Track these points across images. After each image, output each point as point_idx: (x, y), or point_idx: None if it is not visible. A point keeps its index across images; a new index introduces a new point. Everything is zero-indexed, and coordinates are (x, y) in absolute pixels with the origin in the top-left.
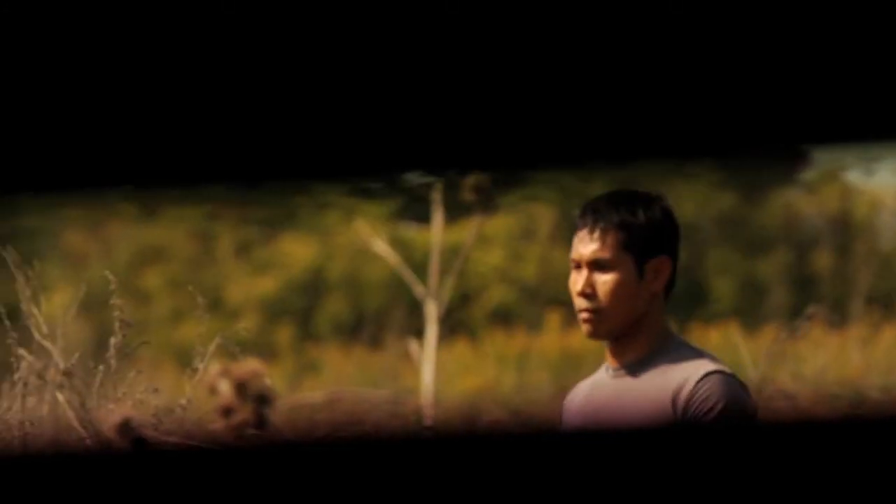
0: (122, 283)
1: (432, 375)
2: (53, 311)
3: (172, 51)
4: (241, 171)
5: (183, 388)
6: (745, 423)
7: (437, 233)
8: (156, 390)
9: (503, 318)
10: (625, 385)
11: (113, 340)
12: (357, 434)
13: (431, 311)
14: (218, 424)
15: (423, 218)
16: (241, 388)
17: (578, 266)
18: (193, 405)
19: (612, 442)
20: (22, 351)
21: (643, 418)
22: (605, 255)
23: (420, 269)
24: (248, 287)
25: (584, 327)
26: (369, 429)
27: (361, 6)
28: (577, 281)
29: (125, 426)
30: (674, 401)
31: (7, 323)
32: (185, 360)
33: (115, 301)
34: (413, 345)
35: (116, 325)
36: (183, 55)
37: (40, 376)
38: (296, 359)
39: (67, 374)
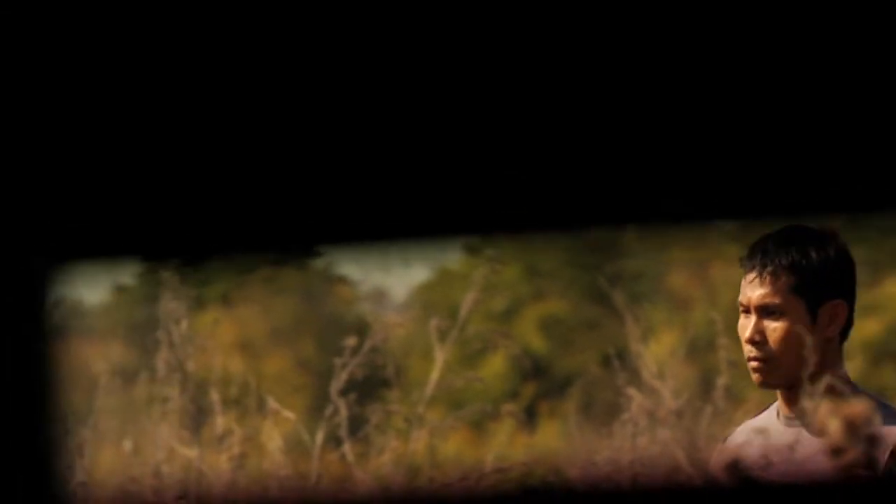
0: (727, 324)
1: None
2: (661, 351)
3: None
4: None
5: None
6: None
7: None
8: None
9: None
10: (802, 436)
11: (720, 381)
12: None
13: None
14: (827, 464)
15: None
16: (851, 427)
17: (747, 311)
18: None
19: None
20: (631, 390)
21: (825, 475)
22: (775, 300)
23: None
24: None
25: (754, 376)
26: None
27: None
28: (746, 327)
29: (734, 467)
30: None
31: (616, 363)
32: None
33: (723, 342)
34: None
35: (724, 365)
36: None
37: (650, 416)
38: None
39: (678, 414)
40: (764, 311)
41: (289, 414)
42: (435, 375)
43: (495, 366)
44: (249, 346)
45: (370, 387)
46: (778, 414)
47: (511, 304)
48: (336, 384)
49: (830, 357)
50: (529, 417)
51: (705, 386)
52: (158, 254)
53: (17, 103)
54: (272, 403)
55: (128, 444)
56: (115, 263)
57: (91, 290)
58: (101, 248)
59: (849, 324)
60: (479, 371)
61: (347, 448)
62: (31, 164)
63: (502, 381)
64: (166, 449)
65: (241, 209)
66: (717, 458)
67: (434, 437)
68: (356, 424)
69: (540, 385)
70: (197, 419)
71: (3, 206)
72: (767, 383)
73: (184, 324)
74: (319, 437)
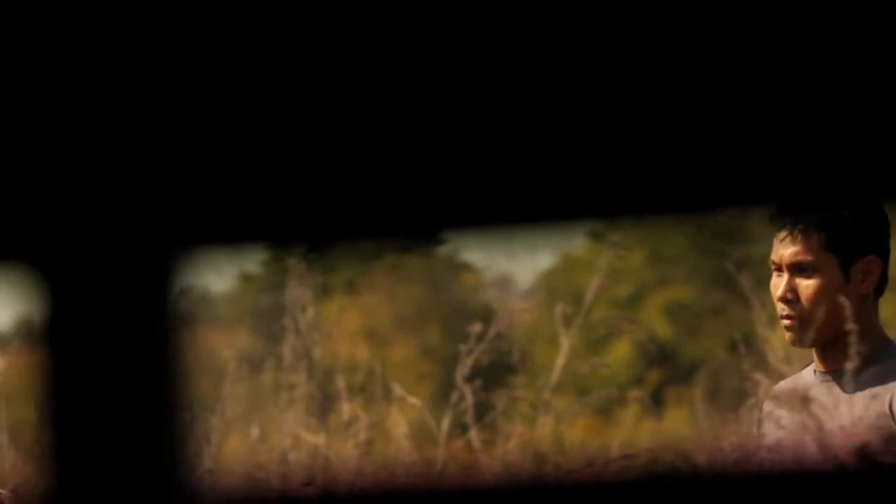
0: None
1: None
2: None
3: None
4: None
5: None
6: None
7: None
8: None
9: None
10: (836, 394)
11: (848, 365)
12: None
13: None
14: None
15: None
16: None
17: (779, 269)
18: None
19: None
20: (758, 375)
21: (857, 433)
22: (807, 257)
23: None
24: None
25: (787, 335)
26: None
27: None
28: (778, 285)
29: (863, 451)
30: (892, 409)
31: (742, 348)
32: None
33: (850, 326)
34: None
35: (852, 350)
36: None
37: None
38: None
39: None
40: (796, 269)
41: (414, 400)
42: (560, 361)
43: (621, 352)
44: (375, 334)
45: (496, 373)
46: (815, 371)
47: (636, 290)
48: (461, 371)
49: (866, 314)
50: (655, 403)
51: None
52: (284, 241)
53: (144, 92)
54: (398, 390)
55: (255, 432)
56: (240, 251)
57: (217, 278)
58: (227, 235)
59: (883, 280)
60: (605, 357)
61: (473, 434)
62: (157, 152)
63: (628, 367)
64: (293, 436)
65: (366, 196)
66: (756, 421)
67: (560, 424)
68: (482, 411)
69: (666, 371)
70: (323, 406)
71: (130, 194)
72: (801, 341)
73: (310, 311)
74: (445, 423)
